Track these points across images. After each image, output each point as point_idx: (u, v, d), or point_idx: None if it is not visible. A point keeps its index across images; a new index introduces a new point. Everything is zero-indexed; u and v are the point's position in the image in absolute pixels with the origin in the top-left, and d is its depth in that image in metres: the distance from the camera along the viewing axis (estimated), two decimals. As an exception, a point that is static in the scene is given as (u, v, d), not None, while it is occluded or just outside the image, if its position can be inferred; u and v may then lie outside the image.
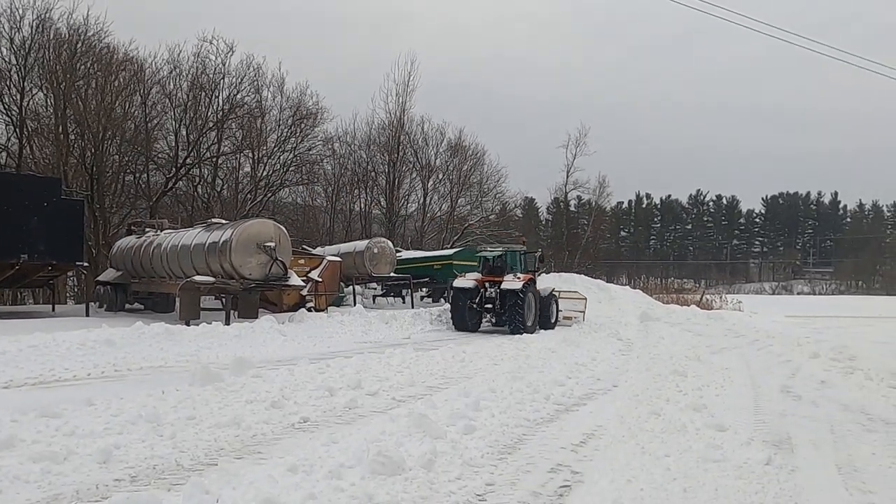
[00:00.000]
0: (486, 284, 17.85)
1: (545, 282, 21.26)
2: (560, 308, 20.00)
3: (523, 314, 17.02)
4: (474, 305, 17.66)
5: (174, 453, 5.08)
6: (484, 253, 19.22)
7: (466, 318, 17.55)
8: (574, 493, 4.58)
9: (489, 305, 17.73)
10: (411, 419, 5.76)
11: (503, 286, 17.33)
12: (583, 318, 20.65)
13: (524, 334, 16.26)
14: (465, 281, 17.95)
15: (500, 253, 18.85)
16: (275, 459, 4.91)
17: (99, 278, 21.39)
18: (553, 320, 19.06)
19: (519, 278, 17.51)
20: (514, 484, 4.72)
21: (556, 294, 19.79)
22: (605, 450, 5.65)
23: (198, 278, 15.30)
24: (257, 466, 4.69)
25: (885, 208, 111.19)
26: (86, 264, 20.54)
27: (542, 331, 17.72)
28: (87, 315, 17.75)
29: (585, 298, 21.51)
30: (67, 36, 24.79)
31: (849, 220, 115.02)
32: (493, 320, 18.17)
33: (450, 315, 18.13)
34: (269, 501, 3.85)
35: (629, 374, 10.14)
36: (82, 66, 25.17)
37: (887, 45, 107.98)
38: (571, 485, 4.75)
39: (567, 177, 45.68)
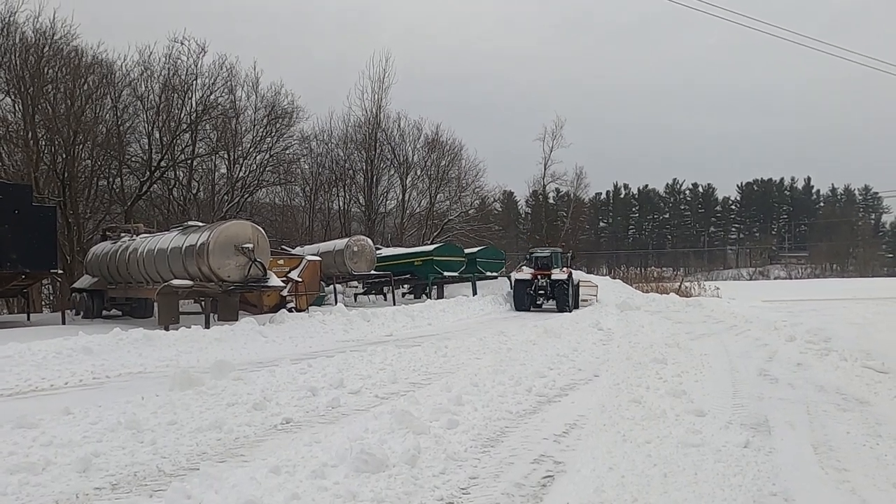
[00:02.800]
0: (538, 277, 23.96)
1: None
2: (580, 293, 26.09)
3: (568, 297, 23.65)
4: (530, 291, 23.92)
5: (155, 459, 5.04)
6: (536, 253, 25.32)
7: (525, 300, 23.84)
8: (557, 482, 4.63)
9: (542, 292, 23.97)
10: (394, 416, 5.76)
11: (553, 277, 23.70)
12: (596, 300, 26.52)
13: (567, 312, 22.18)
14: (523, 274, 24.29)
15: (548, 254, 24.97)
16: (257, 461, 4.88)
17: (75, 285, 21.08)
18: (579, 302, 25.48)
19: (563, 272, 24.00)
20: (498, 476, 4.76)
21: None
22: (586, 439, 5.71)
23: (176, 282, 15.15)
24: (240, 469, 4.66)
25: (856, 192, 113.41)
26: (60, 272, 20.25)
27: (575, 309, 23.66)
28: (64, 323, 17.49)
29: (597, 286, 27.98)
30: (34, 40, 24.32)
31: (822, 204, 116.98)
32: (543, 303, 24.17)
33: (511, 299, 24.44)
34: (252, 503, 3.83)
35: (610, 363, 10.23)
36: (50, 70, 24.73)
37: (852, 32, 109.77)
38: (554, 475, 4.80)
39: (544, 169, 45.91)
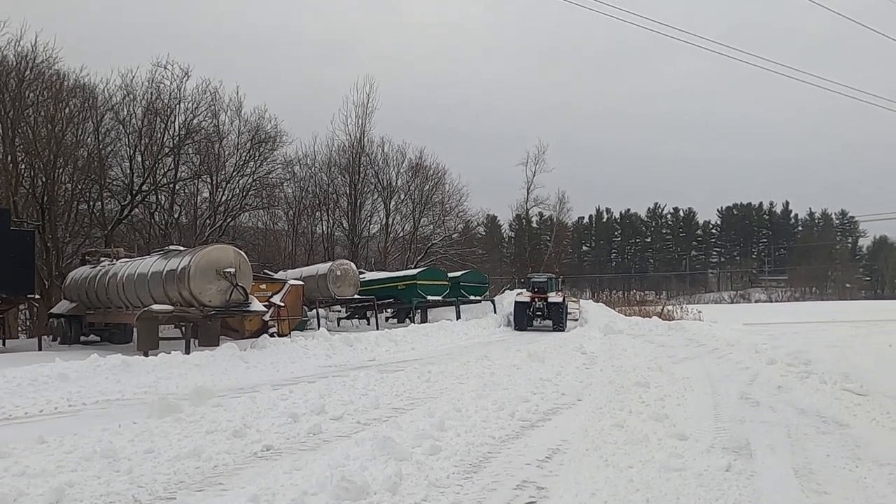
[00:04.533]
0: (536, 299, 26.25)
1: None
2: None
3: (563, 317, 25.98)
4: (529, 312, 26.09)
5: (131, 489, 4.94)
6: (534, 279, 27.75)
7: (524, 320, 25.95)
8: (539, 508, 4.60)
9: (539, 312, 26.29)
10: (376, 442, 5.71)
11: (550, 300, 26.11)
12: (579, 313, 29.20)
13: (563, 331, 24.57)
14: (523, 297, 26.55)
15: (545, 279, 27.52)
16: (236, 490, 4.81)
17: (52, 311, 20.74)
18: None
19: (559, 295, 26.60)
20: (481, 503, 4.72)
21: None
22: (569, 464, 5.69)
23: (156, 307, 14.96)
24: (218, 498, 4.59)
25: (833, 216, 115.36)
26: (38, 296, 19.94)
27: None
28: (40, 349, 17.20)
29: (580, 302, 31.46)
30: (15, 63, 24.21)
31: (800, 228, 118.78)
32: (538, 322, 26.41)
33: (511, 319, 26.47)
34: (230, 533, 3.77)
35: (593, 387, 10.23)
36: (31, 94, 24.59)
37: (825, 62, 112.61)
38: (537, 501, 4.77)
39: (527, 194, 46.17)
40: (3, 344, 19.03)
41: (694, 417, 7.74)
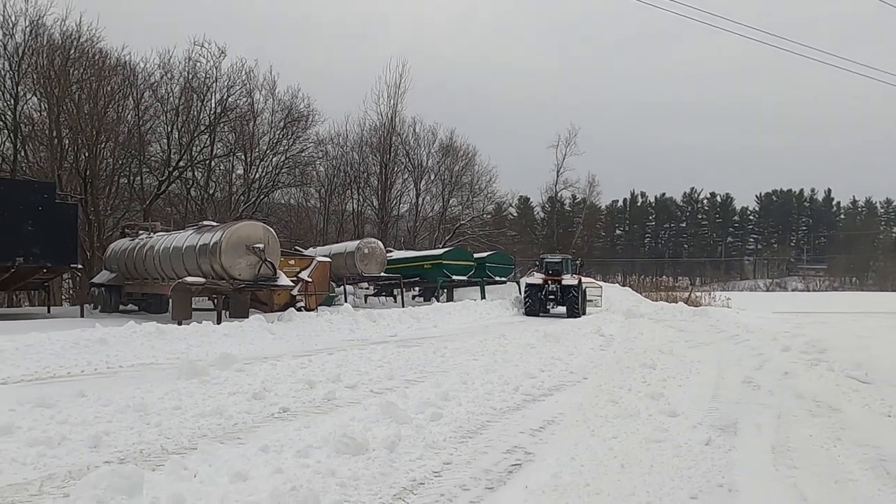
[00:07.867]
0: (549, 282, 24.18)
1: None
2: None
3: (578, 302, 23.78)
4: (541, 296, 24.01)
5: (160, 439, 5.52)
6: (547, 259, 25.71)
7: (535, 305, 23.94)
8: (523, 469, 5.03)
9: (552, 297, 24.18)
10: (380, 407, 6.19)
11: (564, 283, 23.98)
12: (600, 300, 27.31)
13: (578, 317, 22.59)
14: (535, 279, 24.54)
15: (559, 260, 25.48)
16: (252, 444, 5.34)
17: (93, 280, 21.79)
18: (586, 307, 25.62)
19: (574, 278, 24.43)
20: (470, 463, 5.17)
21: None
22: (559, 433, 6.10)
23: (189, 279, 15.72)
24: (234, 449, 5.13)
25: (878, 205, 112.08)
26: (80, 266, 20.98)
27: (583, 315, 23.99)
28: (82, 316, 18.16)
29: (601, 286, 29.27)
30: (60, 42, 25.21)
31: (842, 216, 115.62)
32: (551, 307, 24.46)
33: (523, 303, 24.57)
34: (240, 474, 4.30)
35: (601, 367, 10.57)
36: (75, 72, 25.59)
37: (855, 46, 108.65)
38: (522, 463, 5.20)
39: (557, 176, 46.20)
40: (48, 310, 20.13)
41: (690, 398, 8.04)
